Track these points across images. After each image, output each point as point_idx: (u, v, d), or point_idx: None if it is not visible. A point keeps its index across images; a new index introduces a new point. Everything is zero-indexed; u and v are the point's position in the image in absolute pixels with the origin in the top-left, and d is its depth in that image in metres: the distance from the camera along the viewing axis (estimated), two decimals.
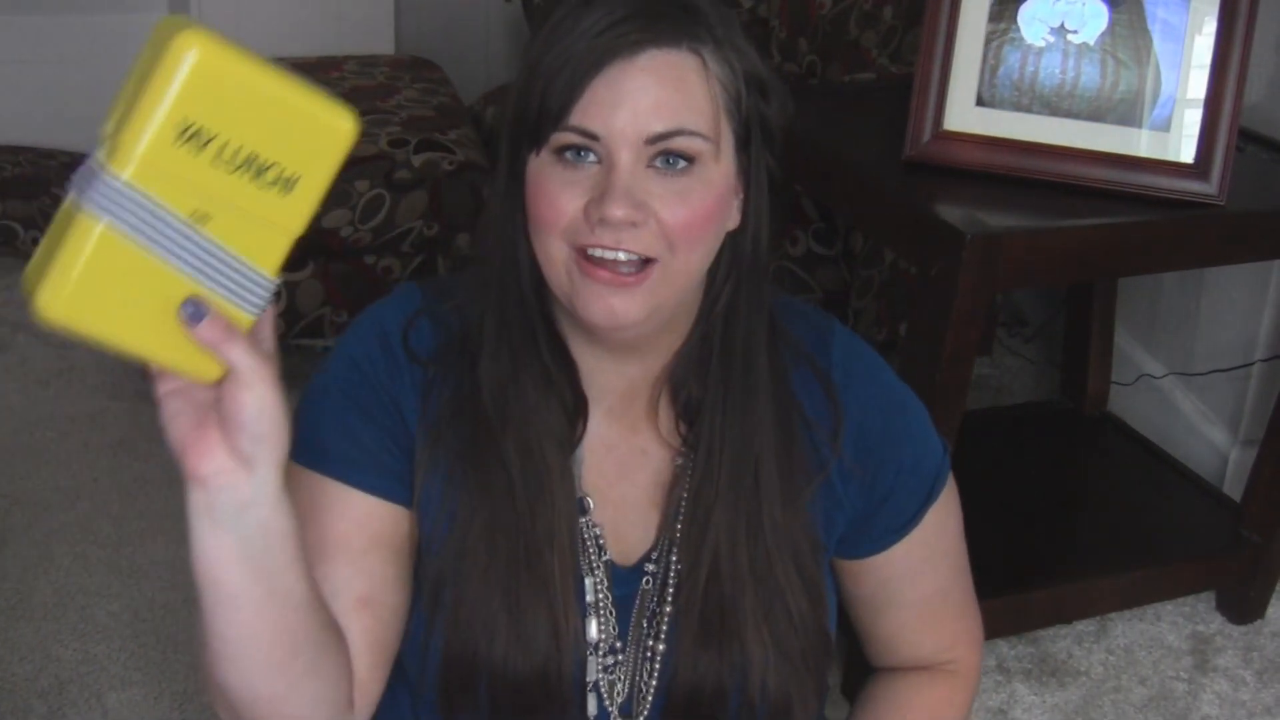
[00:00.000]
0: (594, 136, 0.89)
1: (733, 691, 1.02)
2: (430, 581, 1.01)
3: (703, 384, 1.01)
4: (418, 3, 3.56)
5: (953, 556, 1.15)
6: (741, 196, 0.97)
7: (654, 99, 0.88)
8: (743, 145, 0.94)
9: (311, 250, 2.44)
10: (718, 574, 1.01)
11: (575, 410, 1.01)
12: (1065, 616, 2.02)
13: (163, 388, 0.76)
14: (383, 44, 3.41)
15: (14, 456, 2.34)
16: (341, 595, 0.96)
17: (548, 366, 0.99)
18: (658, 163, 0.90)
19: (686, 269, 0.94)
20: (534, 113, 0.90)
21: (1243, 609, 2.06)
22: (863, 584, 1.14)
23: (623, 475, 1.05)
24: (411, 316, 1.02)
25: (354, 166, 2.44)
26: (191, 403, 0.76)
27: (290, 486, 0.99)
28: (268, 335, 0.77)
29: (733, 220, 0.97)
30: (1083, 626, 2.04)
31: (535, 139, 0.91)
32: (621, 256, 0.90)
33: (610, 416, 1.04)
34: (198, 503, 0.78)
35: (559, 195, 0.90)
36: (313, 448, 0.99)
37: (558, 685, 0.99)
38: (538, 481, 0.99)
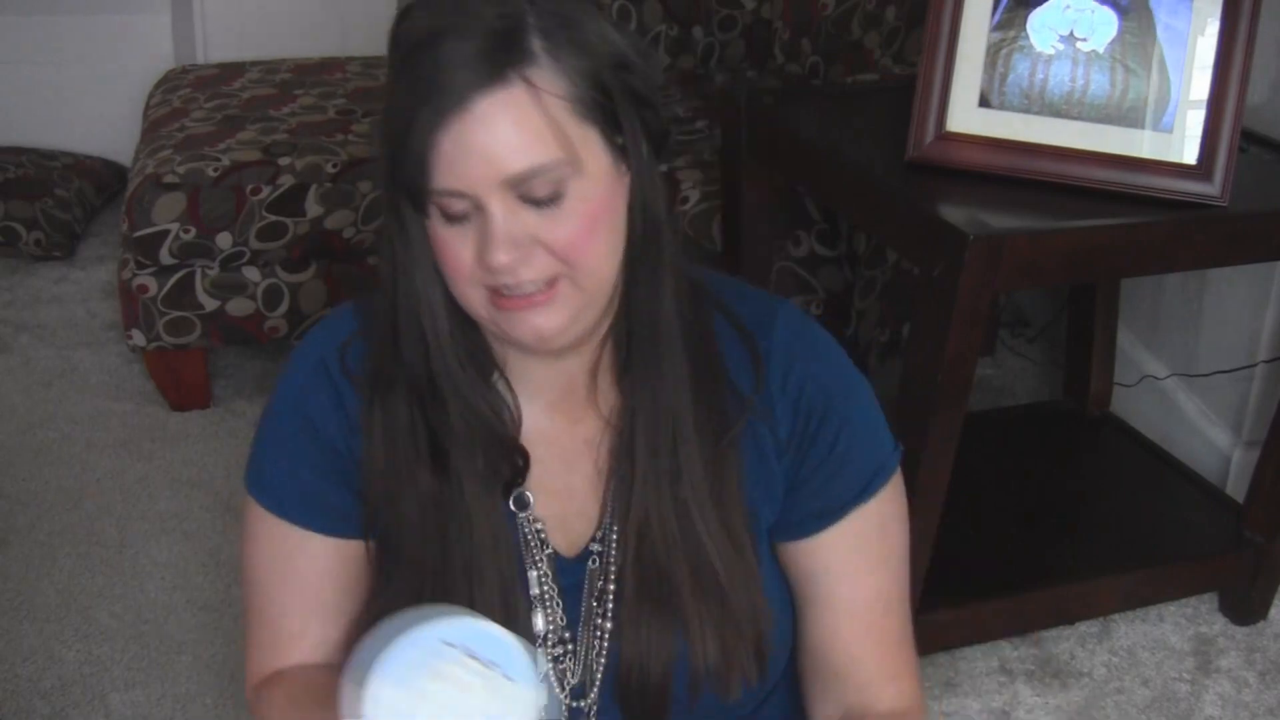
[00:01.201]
0: (459, 193, 0.91)
1: (678, 662, 1.03)
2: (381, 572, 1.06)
3: (629, 357, 1.02)
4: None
5: (894, 568, 1.09)
6: (627, 173, 0.96)
7: (499, 143, 0.89)
8: (613, 129, 0.94)
9: (315, 251, 2.44)
10: (648, 540, 1.02)
11: (513, 462, 1.04)
12: (1068, 617, 2.02)
13: None
14: (385, 45, 3.41)
15: (16, 457, 2.34)
16: (334, 657, 1.05)
17: (473, 412, 1.01)
18: (526, 200, 0.91)
19: (593, 272, 0.95)
20: (401, 180, 0.92)
21: (1245, 610, 2.06)
22: (793, 570, 1.09)
23: (568, 468, 1.06)
24: (348, 338, 1.06)
25: (356, 167, 2.44)
26: None
27: (251, 519, 1.07)
28: None
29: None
30: (1085, 627, 2.04)
31: (416, 205, 0.93)
32: (527, 287, 0.93)
33: (551, 410, 1.05)
34: None
35: (458, 252, 0.94)
36: (272, 489, 1.06)
37: None
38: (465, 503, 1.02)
